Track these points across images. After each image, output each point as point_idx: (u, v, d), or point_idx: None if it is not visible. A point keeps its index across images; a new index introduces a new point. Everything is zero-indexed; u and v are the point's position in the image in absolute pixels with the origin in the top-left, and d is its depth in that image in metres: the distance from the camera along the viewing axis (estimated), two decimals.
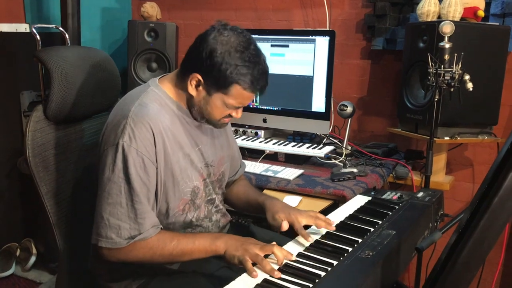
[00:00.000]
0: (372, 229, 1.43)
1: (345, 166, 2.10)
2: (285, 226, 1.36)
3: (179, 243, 1.26)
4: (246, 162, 2.17)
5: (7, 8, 3.01)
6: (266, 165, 2.13)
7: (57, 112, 1.38)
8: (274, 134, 2.47)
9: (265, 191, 1.95)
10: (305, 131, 2.35)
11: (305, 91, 2.29)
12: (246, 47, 1.31)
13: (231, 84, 1.30)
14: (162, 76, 1.44)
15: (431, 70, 1.78)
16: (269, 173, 2.03)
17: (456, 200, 2.40)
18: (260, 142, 2.33)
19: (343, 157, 2.24)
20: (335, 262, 1.22)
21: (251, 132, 2.43)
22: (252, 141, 2.34)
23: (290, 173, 2.03)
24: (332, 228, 1.35)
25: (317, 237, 1.37)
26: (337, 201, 1.85)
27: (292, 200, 1.84)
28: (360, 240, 1.35)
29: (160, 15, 2.86)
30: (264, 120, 2.42)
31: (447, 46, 1.74)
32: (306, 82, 2.28)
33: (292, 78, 2.31)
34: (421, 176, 2.11)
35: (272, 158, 2.26)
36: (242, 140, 2.35)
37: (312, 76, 2.26)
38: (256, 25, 2.76)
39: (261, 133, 2.42)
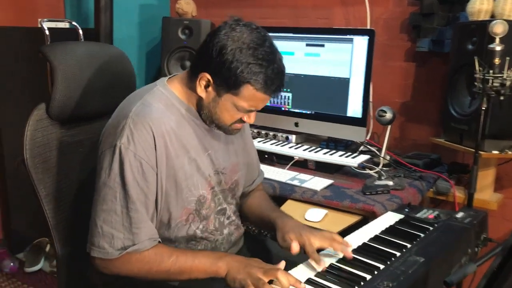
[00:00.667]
0: (398, 254, 1.26)
1: (379, 178, 1.92)
2: (295, 248, 1.22)
3: (178, 260, 1.15)
4: (272, 168, 2.04)
5: (48, 4, 3.03)
6: (293, 173, 1.99)
7: (60, 111, 1.30)
8: (307, 139, 2.32)
9: (289, 202, 1.81)
10: (339, 137, 2.18)
11: (341, 94, 2.12)
12: (260, 44, 1.18)
13: (242, 84, 1.18)
14: (172, 76, 1.34)
15: (478, 75, 1.58)
16: (295, 182, 1.89)
17: (506, 220, 2.16)
18: (290, 147, 2.18)
19: (379, 167, 2.06)
20: None
21: (282, 136, 2.29)
22: (282, 146, 2.20)
23: (318, 183, 1.88)
24: (349, 255, 1.20)
25: (333, 260, 1.23)
26: (367, 217, 1.69)
27: (316, 213, 1.69)
28: (382, 267, 1.19)
29: (196, 12, 2.77)
30: (296, 124, 2.27)
31: (498, 48, 1.53)
32: (342, 84, 2.12)
33: (327, 80, 2.15)
34: (465, 192, 1.90)
35: (302, 165, 2.11)
36: (271, 144, 2.22)
37: (349, 78, 2.10)
38: (294, 23, 2.61)
39: (292, 137, 2.27)
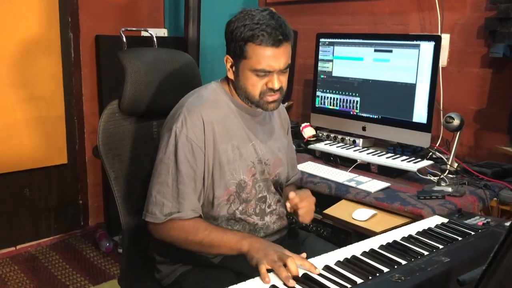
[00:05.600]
0: (426, 253, 1.29)
1: (439, 184, 1.92)
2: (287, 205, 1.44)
3: (210, 234, 1.31)
4: (335, 170, 2.13)
5: (151, 17, 3.39)
6: (353, 175, 2.05)
7: (130, 107, 1.53)
8: (376, 143, 2.35)
9: (342, 201, 1.88)
10: (404, 142, 2.19)
11: (407, 99, 2.14)
12: (259, 12, 1.36)
13: (245, 45, 1.34)
14: (224, 77, 1.51)
15: None
16: (352, 183, 1.95)
17: None
18: (355, 151, 2.24)
19: (444, 174, 2.04)
20: (359, 281, 1.14)
21: (349, 140, 2.35)
22: (347, 149, 2.27)
23: (375, 185, 1.92)
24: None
25: (357, 253, 1.29)
26: (416, 220, 1.70)
27: (363, 213, 1.75)
28: (403, 263, 1.23)
29: None
30: (364, 128, 2.32)
31: None
32: (408, 90, 2.13)
33: (394, 85, 2.18)
34: None
35: (365, 168, 2.16)
36: (337, 147, 2.29)
37: (415, 84, 2.11)
38: (371, 29, 2.66)
39: (360, 141, 2.32)
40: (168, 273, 1.48)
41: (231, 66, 1.41)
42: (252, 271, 1.29)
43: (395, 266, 1.21)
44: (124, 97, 1.51)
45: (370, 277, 1.15)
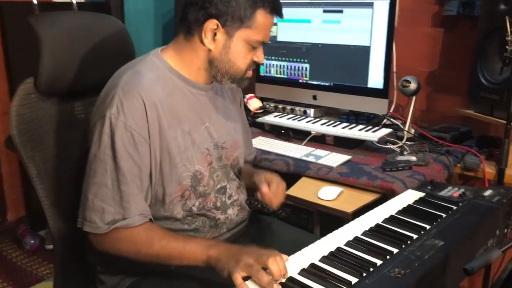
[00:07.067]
0: (415, 237, 1.15)
1: (402, 153, 1.79)
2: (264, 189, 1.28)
3: (168, 245, 1.08)
4: (288, 144, 1.95)
5: None
6: (310, 149, 1.87)
7: (50, 85, 1.23)
8: (327, 112, 2.19)
9: (303, 179, 1.71)
10: (360, 110, 2.05)
11: (361, 64, 1.98)
12: None
13: (255, 10, 1.15)
14: (167, 45, 1.25)
15: (509, 38, 1.42)
16: (311, 158, 1.78)
17: None
18: (308, 122, 2.07)
19: (403, 142, 1.92)
20: (354, 280, 0.97)
21: (299, 110, 2.17)
22: (299, 120, 2.08)
23: (335, 159, 1.76)
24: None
25: (341, 244, 1.12)
26: (386, 196, 1.57)
27: (329, 191, 1.58)
28: (395, 252, 1.08)
29: None
30: (314, 97, 2.15)
31: None
32: (362, 53, 1.97)
33: (347, 49, 2.01)
34: (496, 168, 1.74)
35: (320, 140, 1.99)
36: (288, 119, 2.11)
37: (369, 47, 1.95)
38: None
39: (310, 111, 2.15)
40: (114, 285, 1.24)
41: (214, 35, 1.16)
42: (221, 278, 1.08)
43: (388, 257, 1.05)
44: (41, 73, 1.20)
45: (364, 274, 0.99)
